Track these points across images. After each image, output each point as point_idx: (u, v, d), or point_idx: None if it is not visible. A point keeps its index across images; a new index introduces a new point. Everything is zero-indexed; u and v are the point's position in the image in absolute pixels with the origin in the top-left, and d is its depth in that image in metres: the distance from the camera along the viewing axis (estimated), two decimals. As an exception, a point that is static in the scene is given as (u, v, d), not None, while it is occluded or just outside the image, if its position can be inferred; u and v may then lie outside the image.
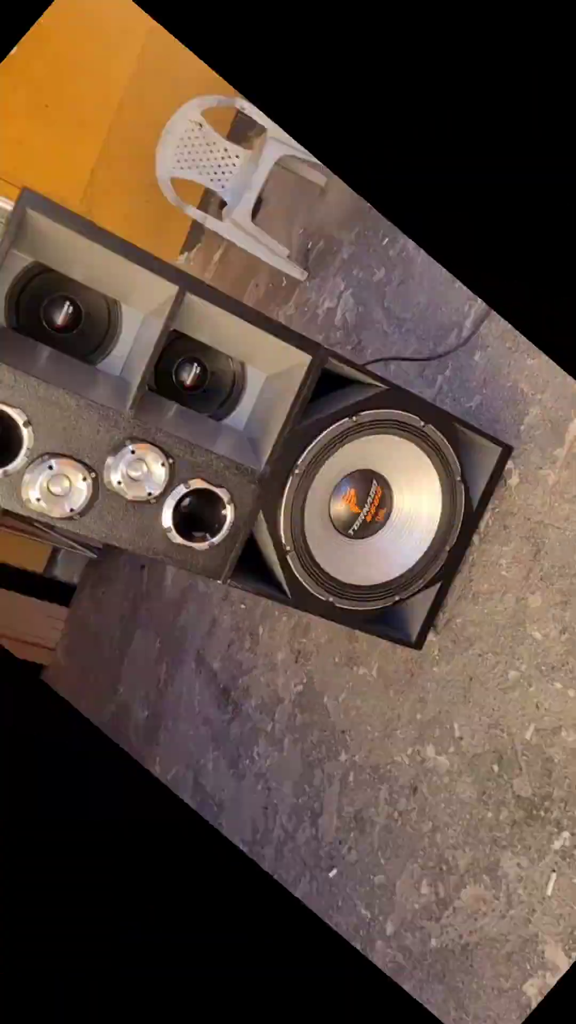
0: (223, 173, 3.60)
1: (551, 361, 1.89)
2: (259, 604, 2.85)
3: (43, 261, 1.62)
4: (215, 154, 3.56)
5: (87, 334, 1.73)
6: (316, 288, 3.44)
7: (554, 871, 1.44)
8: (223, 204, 3.76)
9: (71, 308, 1.68)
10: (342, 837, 1.99)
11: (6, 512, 5.36)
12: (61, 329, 1.70)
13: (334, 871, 1.98)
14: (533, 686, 1.62)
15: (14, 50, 4.76)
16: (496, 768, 1.63)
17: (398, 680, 2.00)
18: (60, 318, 1.69)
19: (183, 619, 3.48)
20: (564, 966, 1.35)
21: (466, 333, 2.25)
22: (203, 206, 4.88)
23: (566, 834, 1.45)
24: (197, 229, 5.44)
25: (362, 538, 1.83)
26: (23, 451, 1.50)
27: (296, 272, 3.58)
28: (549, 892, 1.44)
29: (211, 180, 3.60)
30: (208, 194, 4.84)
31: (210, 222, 3.43)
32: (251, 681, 2.71)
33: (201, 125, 3.49)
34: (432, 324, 2.44)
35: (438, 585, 1.86)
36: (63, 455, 1.53)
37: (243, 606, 2.96)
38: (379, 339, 2.74)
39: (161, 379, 1.78)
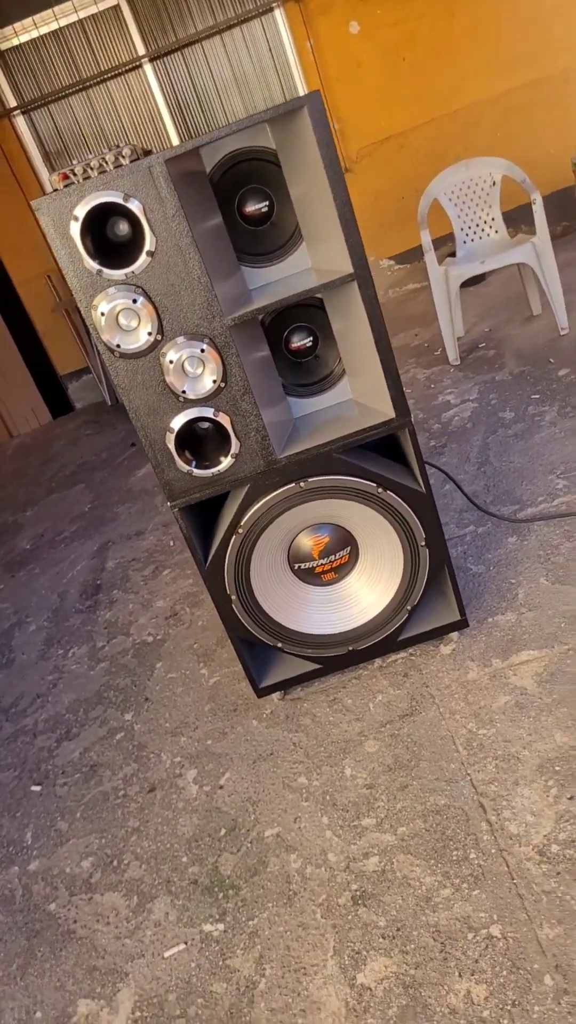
0: (474, 233, 3.62)
1: (561, 589, 1.90)
2: (184, 552, 2.84)
3: (280, 157, 1.61)
4: (482, 213, 3.58)
5: (259, 239, 1.72)
6: (454, 378, 3.45)
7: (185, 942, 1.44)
8: (452, 254, 3.78)
9: (266, 207, 1.67)
10: (68, 770, 1.98)
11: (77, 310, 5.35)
12: (245, 216, 1.69)
13: (38, 787, 1.97)
14: (322, 814, 1.62)
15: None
16: (222, 832, 1.63)
17: (223, 702, 2.00)
18: (251, 207, 1.68)
19: (122, 509, 3.47)
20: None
21: (522, 515, 2.26)
22: (437, 243, 4.91)
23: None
24: (415, 253, 5.47)
25: (321, 587, 1.84)
26: (125, 271, 1.47)
27: (452, 355, 3.60)
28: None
29: (462, 229, 3.62)
30: (447, 239, 4.87)
31: (429, 257, 3.44)
32: (121, 599, 2.70)
33: (495, 184, 3.51)
34: (506, 485, 2.44)
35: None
36: (151, 301, 1.51)
37: (172, 543, 2.95)
38: (458, 458, 2.74)
39: (275, 326, 1.78)
